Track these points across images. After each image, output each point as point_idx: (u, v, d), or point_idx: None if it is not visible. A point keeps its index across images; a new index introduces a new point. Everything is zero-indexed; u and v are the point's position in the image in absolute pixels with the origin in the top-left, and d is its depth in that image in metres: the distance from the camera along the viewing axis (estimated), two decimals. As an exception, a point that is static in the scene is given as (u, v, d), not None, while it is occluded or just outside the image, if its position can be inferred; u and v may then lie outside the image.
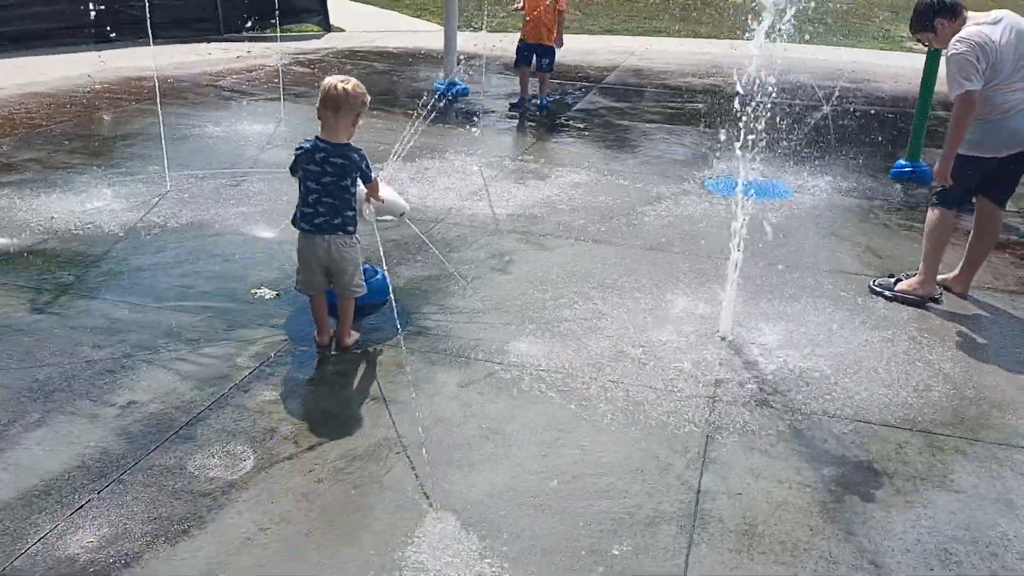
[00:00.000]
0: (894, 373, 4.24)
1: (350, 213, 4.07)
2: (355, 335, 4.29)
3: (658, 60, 12.72)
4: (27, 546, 2.82)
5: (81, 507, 3.02)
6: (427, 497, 3.19)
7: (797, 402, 3.96)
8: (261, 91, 9.44)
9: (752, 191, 6.00)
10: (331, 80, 3.94)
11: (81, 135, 7.50)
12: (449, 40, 9.88)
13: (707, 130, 8.75)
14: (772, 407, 3.91)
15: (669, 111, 9.77)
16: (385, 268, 4.64)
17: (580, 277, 5.18)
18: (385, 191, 4.57)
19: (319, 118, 3.98)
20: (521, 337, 4.41)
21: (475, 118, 9.02)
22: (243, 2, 12.85)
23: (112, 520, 2.96)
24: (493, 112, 9.35)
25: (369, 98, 4.01)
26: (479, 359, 4.19)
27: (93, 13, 9.91)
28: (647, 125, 9.05)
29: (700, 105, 9.92)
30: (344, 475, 3.30)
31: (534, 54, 9.22)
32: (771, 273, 5.33)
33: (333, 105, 3.92)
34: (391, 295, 4.56)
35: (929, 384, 4.15)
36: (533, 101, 9.57)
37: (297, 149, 4.02)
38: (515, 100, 9.59)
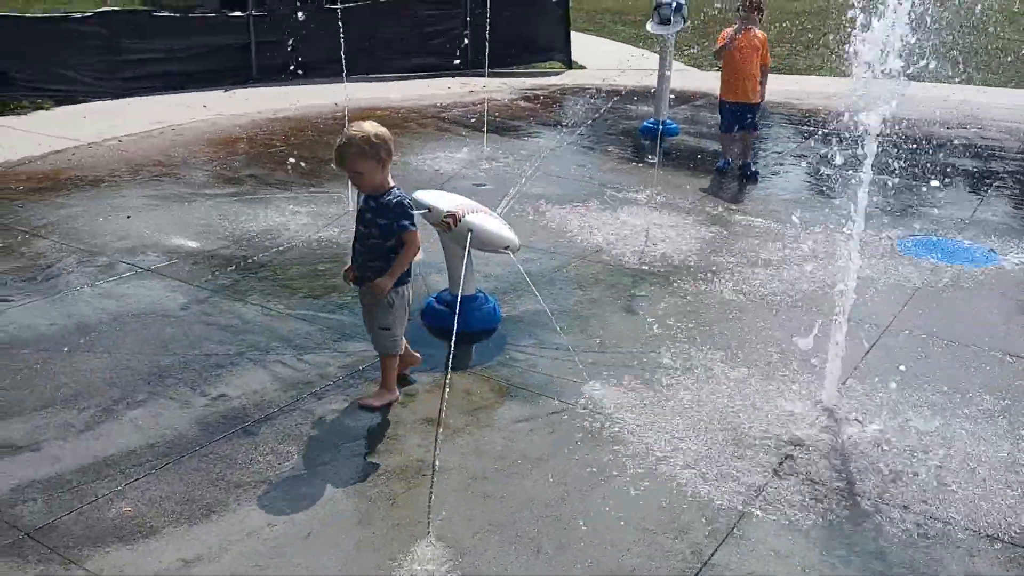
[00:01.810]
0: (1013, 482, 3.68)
1: None
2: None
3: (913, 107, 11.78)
4: (80, 505, 3.29)
5: (136, 480, 3.46)
6: (428, 521, 3.28)
7: (870, 490, 3.58)
8: (476, 123, 9.98)
9: (944, 254, 5.40)
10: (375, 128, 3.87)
11: (302, 156, 8.39)
12: (661, 80, 9.86)
13: (922, 182, 8.01)
14: (839, 491, 3.57)
15: (910, 161, 9.05)
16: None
17: (699, 326, 5.01)
18: (492, 223, 4.73)
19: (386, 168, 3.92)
20: (602, 380, 4.36)
21: (672, 159, 8.94)
22: (491, 40, 13.59)
23: (153, 496, 3.36)
24: (695, 154, 9.20)
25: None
26: (548, 396, 4.21)
27: (345, 50, 10.92)
28: (876, 176, 8.41)
29: (943, 157, 9.07)
30: (365, 488, 3.49)
31: (739, 114, 8.17)
32: (920, 345, 4.83)
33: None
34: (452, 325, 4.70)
35: (1049, 492, 3.56)
36: (748, 167, 8.31)
37: (412, 207, 4.00)
38: (720, 164, 8.50)
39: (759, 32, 8.02)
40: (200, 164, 8.06)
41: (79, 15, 10.80)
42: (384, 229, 3.89)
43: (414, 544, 3.17)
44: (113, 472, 3.50)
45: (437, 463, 3.64)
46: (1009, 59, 14.19)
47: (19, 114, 9.59)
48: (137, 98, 10.48)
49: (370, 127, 3.85)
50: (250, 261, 5.73)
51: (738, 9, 8.10)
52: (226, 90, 11.39)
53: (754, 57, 7.99)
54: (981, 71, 13.44)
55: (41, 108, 9.87)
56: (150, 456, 3.62)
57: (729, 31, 8.03)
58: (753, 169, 8.33)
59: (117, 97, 10.48)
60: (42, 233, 6.08)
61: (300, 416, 3.97)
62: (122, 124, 9.26)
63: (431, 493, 3.45)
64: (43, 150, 8.17)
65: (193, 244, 6.01)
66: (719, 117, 8.49)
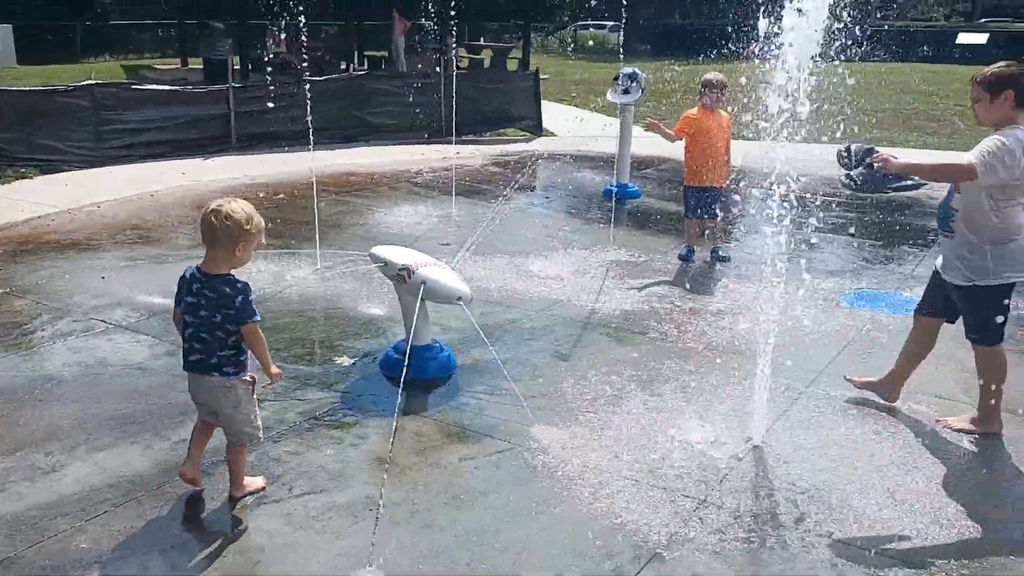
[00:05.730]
0: (927, 503, 3.94)
1: (226, 352, 3.64)
2: (254, 483, 3.92)
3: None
4: (42, 539, 3.49)
5: (96, 516, 3.65)
6: (371, 553, 3.49)
7: (787, 518, 3.82)
8: (445, 187, 10.36)
9: (872, 302, 5.68)
10: (213, 204, 3.55)
11: (274, 218, 8.72)
12: (622, 145, 10.34)
13: (886, 240, 8.39)
14: (757, 519, 3.80)
15: (869, 223, 9.46)
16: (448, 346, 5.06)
17: (639, 372, 5.27)
18: (445, 275, 5.02)
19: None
20: (547, 423, 4.60)
21: (631, 219, 9.33)
22: (466, 109, 14.11)
23: (112, 531, 3.56)
24: (655, 215, 9.60)
25: (256, 224, 3.54)
26: (494, 437, 4.45)
27: (319, 120, 11.31)
28: (835, 236, 8.80)
29: (883, 216, 9.50)
30: (314, 521, 3.70)
31: (706, 200, 7.58)
32: (848, 388, 5.11)
33: (209, 235, 3.53)
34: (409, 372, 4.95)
35: (956, 520, 3.82)
36: (717, 251, 7.77)
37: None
38: (683, 252, 7.77)
39: (723, 112, 7.61)
40: (173, 227, 8.38)
41: (64, 88, 11.24)
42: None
43: (354, 573, 3.37)
44: (74, 510, 3.70)
45: (384, 498, 3.86)
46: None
47: (3, 183, 9.90)
48: (119, 166, 10.85)
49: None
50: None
51: (704, 88, 7.42)
52: (205, 158, 11.78)
53: (721, 138, 7.44)
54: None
55: (25, 177, 10.20)
56: (109, 495, 3.82)
57: (693, 112, 7.53)
58: (723, 254, 7.74)
59: (99, 166, 10.84)
60: (19, 292, 6.33)
61: (255, 458, 4.18)
62: (101, 190, 9.60)
63: (376, 526, 3.66)
64: (25, 216, 8.47)
65: (163, 301, 6.25)
66: (684, 204, 7.81)
